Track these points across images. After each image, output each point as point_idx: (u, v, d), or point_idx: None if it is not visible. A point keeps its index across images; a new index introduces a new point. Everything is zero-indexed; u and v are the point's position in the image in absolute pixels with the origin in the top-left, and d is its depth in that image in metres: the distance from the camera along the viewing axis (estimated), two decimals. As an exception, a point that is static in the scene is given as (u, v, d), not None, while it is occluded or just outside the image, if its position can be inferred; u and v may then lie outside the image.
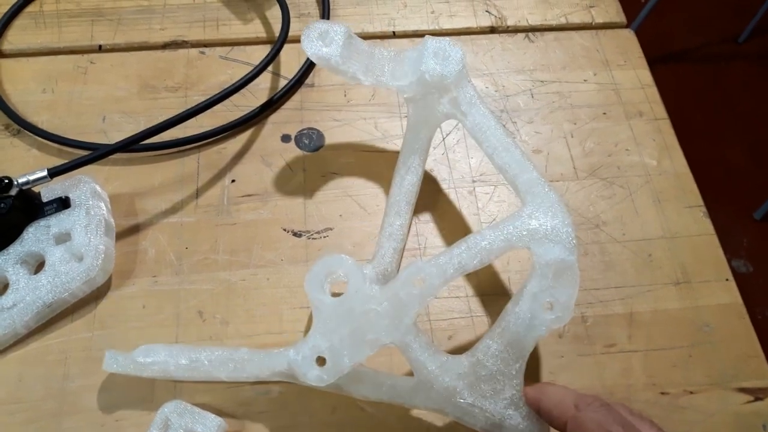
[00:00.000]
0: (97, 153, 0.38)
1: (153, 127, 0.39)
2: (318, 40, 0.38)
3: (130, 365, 0.35)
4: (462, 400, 0.32)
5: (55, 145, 0.44)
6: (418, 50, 0.38)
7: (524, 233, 0.34)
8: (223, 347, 0.35)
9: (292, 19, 0.50)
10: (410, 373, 0.33)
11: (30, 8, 0.50)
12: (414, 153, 0.40)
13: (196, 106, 0.41)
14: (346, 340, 0.31)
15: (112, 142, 0.43)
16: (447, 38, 0.38)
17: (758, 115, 1.47)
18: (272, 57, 0.45)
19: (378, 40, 0.50)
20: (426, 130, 0.40)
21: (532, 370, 0.35)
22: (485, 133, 0.37)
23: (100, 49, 0.48)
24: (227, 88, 0.42)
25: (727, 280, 0.40)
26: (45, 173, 0.38)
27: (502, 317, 0.34)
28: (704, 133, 1.45)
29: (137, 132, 0.39)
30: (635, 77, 0.49)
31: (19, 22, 0.50)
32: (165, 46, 0.49)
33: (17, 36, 0.49)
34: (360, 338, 0.31)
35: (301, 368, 0.31)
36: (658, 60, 1.55)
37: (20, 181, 0.38)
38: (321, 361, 0.31)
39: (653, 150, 0.45)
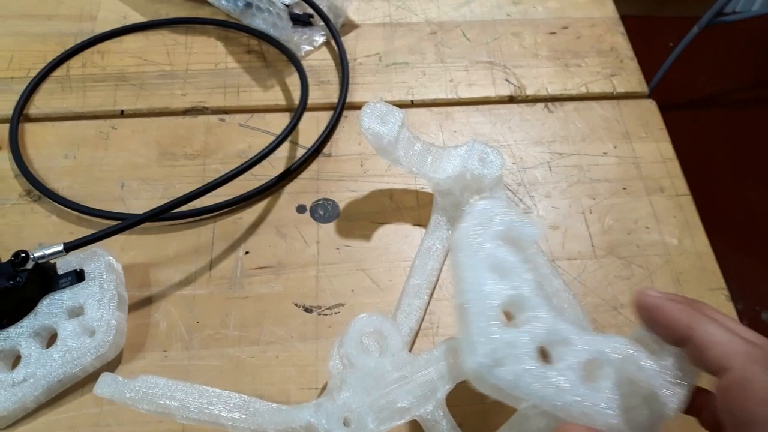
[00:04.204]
0: (108, 230, 0.38)
1: (172, 201, 0.40)
2: (377, 119, 0.41)
3: (128, 393, 0.32)
4: None
5: (75, 212, 0.44)
6: (463, 150, 0.41)
7: None
8: (235, 393, 0.33)
9: (311, 87, 0.50)
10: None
11: (57, 72, 0.51)
12: (437, 240, 0.42)
13: (217, 178, 0.41)
14: (375, 405, 0.31)
15: (130, 209, 0.44)
16: (491, 147, 0.42)
17: (789, 162, 1.45)
18: (293, 127, 0.45)
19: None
20: (449, 224, 0.43)
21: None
22: None
23: (122, 114, 0.49)
24: (251, 158, 0.42)
25: None
26: (61, 248, 0.38)
27: (518, 414, 0.33)
28: (731, 179, 1.42)
29: (151, 202, 0.40)
30: (656, 150, 0.48)
31: (46, 86, 0.51)
32: (185, 112, 0.49)
33: (44, 100, 0.50)
34: (390, 405, 0.31)
35: (325, 425, 0.30)
36: (685, 104, 1.54)
37: (36, 255, 0.38)
38: (345, 423, 0.30)
39: (674, 228, 0.44)
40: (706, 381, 0.30)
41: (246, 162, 0.41)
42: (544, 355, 0.30)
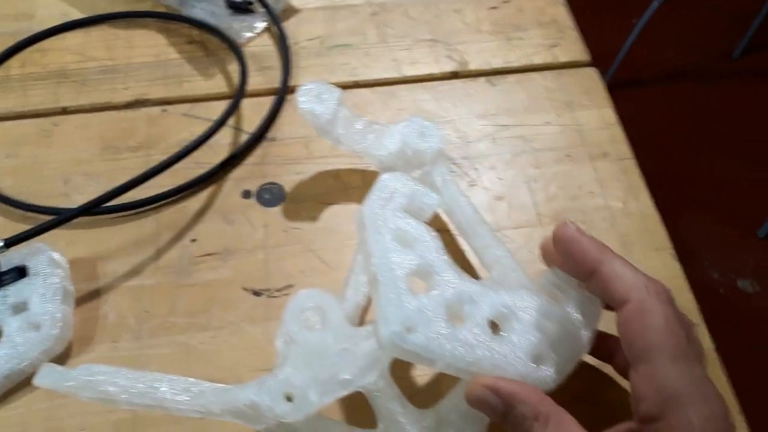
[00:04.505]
0: (45, 224, 0.38)
1: (111, 191, 0.40)
2: (314, 98, 0.41)
3: (68, 382, 0.32)
4: None
5: (18, 211, 0.44)
6: (402, 126, 0.41)
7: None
8: (178, 377, 0.33)
9: (254, 73, 0.50)
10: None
11: (-3, 73, 0.51)
12: None
13: (154, 167, 0.41)
14: (318, 378, 0.31)
15: (75, 204, 0.44)
16: (430, 121, 0.41)
17: (756, 131, 1.46)
18: (230, 112, 0.45)
19: (341, 90, 0.50)
20: None
21: None
22: (457, 208, 0.40)
23: (64, 111, 0.49)
24: (186, 146, 0.42)
25: (696, 325, 0.40)
26: (1, 244, 0.38)
27: (463, 381, 0.34)
28: (702, 150, 1.44)
29: (96, 196, 0.39)
30: (599, 117, 0.48)
31: (-15, 88, 0.50)
32: (128, 105, 0.49)
33: (-17, 102, 0.49)
34: (333, 378, 0.31)
35: (267, 402, 0.30)
36: (652, 79, 1.55)
37: (-25, 253, 0.38)
38: (288, 398, 0.30)
39: (618, 191, 0.45)
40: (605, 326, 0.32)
41: (181, 150, 0.41)
42: (455, 317, 0.31)
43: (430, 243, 0.33)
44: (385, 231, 0.32)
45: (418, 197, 0.35)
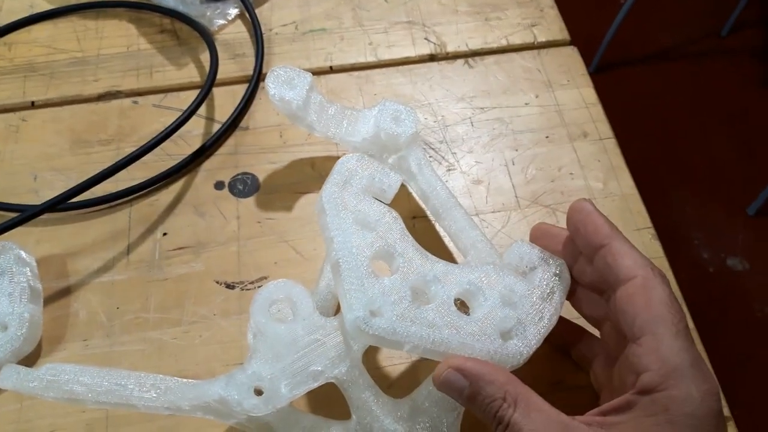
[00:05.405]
0: (14, 220, 0.37)
1: (75, 187, 0.39)
2: (284, 84, 0.40)
3: (31, 383, 0.31)
4: None
5: (-16, 209, 0.43)
6: (376, 110, 0.40)
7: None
8: (146, 373, 0.32)
9: (227, 61, 0.49)
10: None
11: (-38, 69, 0.50)
12: None
13: (121, 160, 0.40)
14: (288, 370, 0.30)
15: (43, 200, 0.43)
16: (404, 105, 0.40)
17: (745, 109, 1.45)
18: (200, 101, 0.44)
19: (316, 77, 0.49)
20: None
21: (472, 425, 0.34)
22: (432, 193, 0.39)
23: (32, 105, 0.48)
24: (155, 137, 0.41)
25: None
26: (-35, 243, 0.37)
27: None
28: (691, 130, 1.43)
29: (63, 191, 0.38)
30: (579, 96, 0.47)
31: (-49, 84, 0.49)
32: (99, 97, 0.48)
33: (-51, 98, 0.48)
34: (303, 369, 0.30)
35: (236, 396, 0.29)
36: (641, 59, 1.54)
37: (-62, 252, 0.37)
38: (258, 392, 0.30)
39: (599, 172, 0.44)
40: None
41: (149, 142, 0.40)
42: (421, 298, 0.31)
43: (392, 224, 0.32)
44: (345, 214, 0.32)
45: (378, 177, 0.34)
